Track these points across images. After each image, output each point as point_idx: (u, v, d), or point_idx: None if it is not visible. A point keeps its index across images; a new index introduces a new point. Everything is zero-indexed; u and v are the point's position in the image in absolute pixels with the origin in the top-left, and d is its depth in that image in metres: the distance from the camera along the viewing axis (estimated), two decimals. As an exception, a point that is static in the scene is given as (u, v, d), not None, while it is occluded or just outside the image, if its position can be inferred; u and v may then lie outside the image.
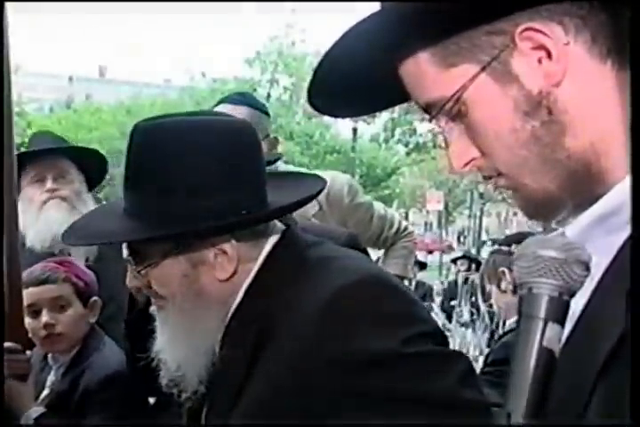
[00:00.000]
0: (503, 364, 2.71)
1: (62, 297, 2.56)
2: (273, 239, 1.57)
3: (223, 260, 1.51)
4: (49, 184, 3.24)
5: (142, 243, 1.57)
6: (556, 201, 1.05)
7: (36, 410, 2.41)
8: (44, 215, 3.16)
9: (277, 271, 1.52)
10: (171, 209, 1.49)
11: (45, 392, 2.53)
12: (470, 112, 1.04)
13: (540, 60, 0.99)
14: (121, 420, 2.35)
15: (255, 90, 35.47)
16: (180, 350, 1.56)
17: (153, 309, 1.63)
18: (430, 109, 1.09)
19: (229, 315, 1.54)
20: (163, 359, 1.59)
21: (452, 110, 1.05)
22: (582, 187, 1.02)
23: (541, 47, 0.99)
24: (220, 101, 3.33)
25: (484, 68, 1.01)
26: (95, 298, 2.64)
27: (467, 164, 1.10)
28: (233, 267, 1.51)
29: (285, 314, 1.43)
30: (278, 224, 1.61)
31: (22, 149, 3.50)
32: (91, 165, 3.46)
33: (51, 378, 2.57)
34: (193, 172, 1.49)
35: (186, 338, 1.55)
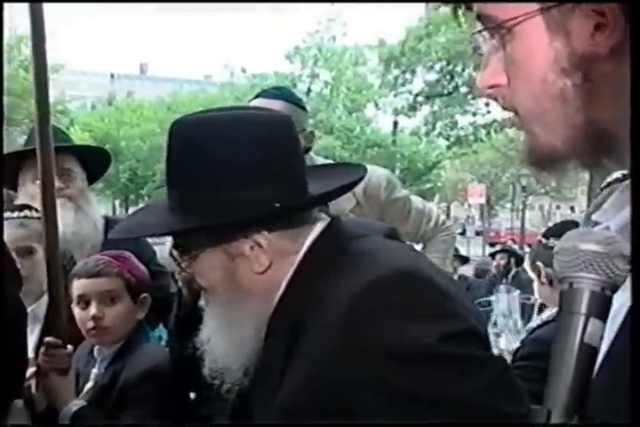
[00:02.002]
0: (535, 358, 2.68)
1: (113, 291, 2.58)
2: (315, 231, 1.56)
3: (259, 252, 1.51)
4: (55, 183, 3.22)
5: (182, 236, 1.59)
6: (559, 158, 1.04)
7: (75, 404, 2.43)
8: None
9: (317, 264, 1.51)
10: (207, 202, 1.50)
11: (89, 385, 2.55)
12: (512, 45, 1.03)
13: (597, 27, 0.97)
14: (159, 415, 2.36)
15: (295, 85, 35.55)
16: (223, 341, 1.57)
17: (201, 301, 1.64)
18: (482, 22, 1.08)
19: (273, 307, 1.53)
20: (207, 350, 1.60)
21: (499, 34, 1.05)
22: (592, 150, 1.02)
23: (602, 15, 0.97)
24: (257, 96, 3.32)
25: (542, 11, 1.00)
26: (145, 294, 2.65)
27: (491, 87, 1.09)
28: (268, 259, 1.51)
29: (320, 308, 1.41)
30: (323, 216, 1.60)
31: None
32: (94, 163, 3.47)
33: (94, 371, 2.58)
34: (229, 165, 1.50)
35: (228, 329, 1.56)
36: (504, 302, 8.63)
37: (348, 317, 1.35)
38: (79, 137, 36.25)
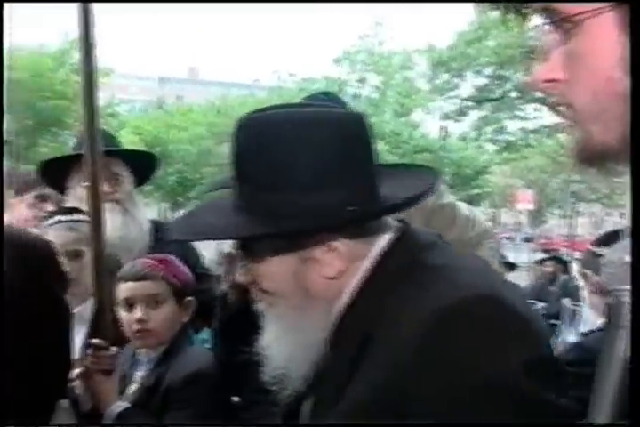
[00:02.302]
0: (578, 365, 2.64)
1: (158, 294, 2.60)
2: (386, 237, 1.52)
3: (331, 257, 1.47)
4: (104, 186, 3.23)
5: (250, 239, 1.55)
6: (611, 156, 1.02)
7: (119, 405, 2.45)
8: None
9: (388, 273, 1.47)
10: (280, 205, 1.45)
11: (133, 387, 2.57)
12: (577, 39, 1.02)
13: None
14: (202, 419, 2.36)
15: (343, 89, 35.54)
16: (286, 346, 1.54)
17: (260, 305, 1.60)
18: (548, 14, 1.06)
19: (337, 313, 1.50)
20: (268, 356, 1.57)
21: (564, 28, 1.03)
22: None
23: None
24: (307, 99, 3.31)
25: (612, 7, 0.98)
26: (190, 298, 2.66)
27: (548, 81, 1.07)
28: (341, 264, 1.47)
29: (393, 322, 1.37)
30: (392, 221, 1.57)
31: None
32: (142, 167, 3.49)
33: (139, 373, 2.60)
34: (303, 167, 1.45)
35: (292, 335, 1.53)
36: (555, 308, 8.56)
37: (427, 337, 1.30)
38: (129, 140, 36.61)
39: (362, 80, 39.48)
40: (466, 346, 1.28)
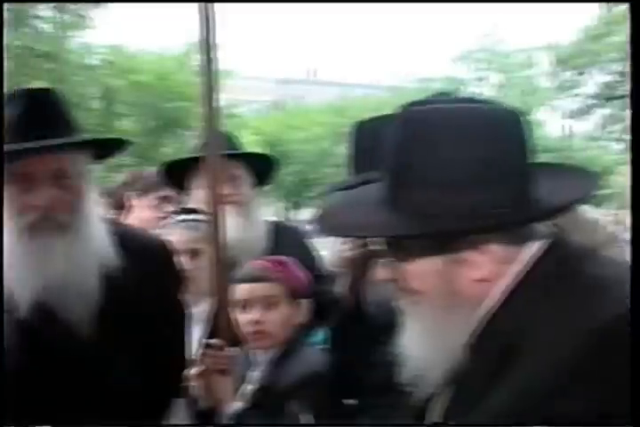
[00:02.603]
0: None
1: (273, 296, 2.62)
2: (538, 241, 1.46)
3: (482, 259, 1.43)
4: (224, 189, 3.25)
5: (399, 237, 1.51)
6: None
7: (235, 405, 2.47)
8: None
9: (540, 280, 1.41)
10: (433, 204, 1.42)
11: (248, 388, 2.59)
12: None
13: None
14: (318, 420, 2.36)
15: (463, 88, 35.18)
16: (425, 347, 1.50)
17: (402, 303, 1.56)
18: None
19: (480, 317, 1.46)
20: (407, 356, 1.54)
21: None
22: None
23: None
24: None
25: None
26: (304, 300, 2.67)
27: None
28: (491, 267, 1.43)
29: (543, 333, 1.33)
30: (546, 226, 1.51)
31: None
32: (261, 169, 3.50)
33: (254, 374, 2.62)
34: (459, 164, 1.40)
35: (433, 336, 1.49)
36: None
37: (585, 359, 1.26)
38: (249, 141, 37.15)
39: (482, 79, 39.01)
40: (625, 370, 1.24)
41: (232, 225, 3.08)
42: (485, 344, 1.43)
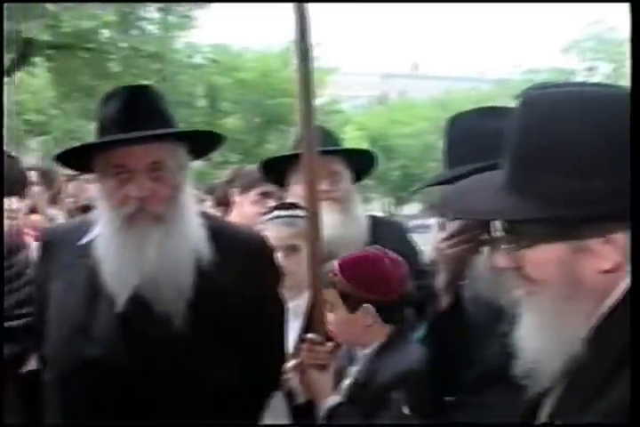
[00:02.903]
0: None
1: (329, 300, 2.61)
2: None
3: (608, 249, 1.37)
4: (322, 185, 3.15)
5: (522, 222, 1.47)
6: None
7: (332, 399, 2.47)
8: None
9: None
10: (559, 188, 1.37)
11: (347, 382, 2.59)
12: None
13: None
14: (414, 417, 2.34)
15: (570, 79, 34.40)
16: (543, 339, 1.46)
17: (520, 293, 1.52)
18: None
19: (603, 310, 1.40)
20: (522, 347, 1.50)
21: None
22: None
23: None
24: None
25: None
26: (366, 305, 2.63)
27: None
28: (618, 258, 1.37)
29: None
30: None
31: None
32: (361, 164, 3.49)
33: (354, 368, 2.62)
34: (587, 151, 1.36)
35: (552, 328, 1.44)
36: None
37: None
38: (353, 136, 37.25)
39: (591, 69, 38.07)
40: None
41: (331, 221, 3.08)
42: (605, 340, 1.38)
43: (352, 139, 36.19)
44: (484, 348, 2.28)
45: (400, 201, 46.29)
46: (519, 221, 1.46)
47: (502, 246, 1.52)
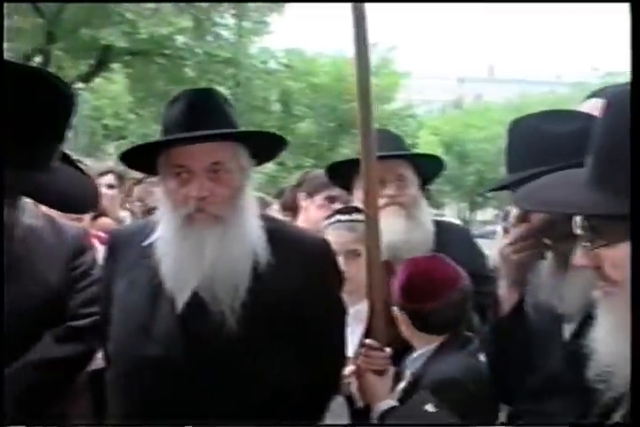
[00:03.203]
0: None
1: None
2: None
3: None
4: (389, 189, 3.21)
5: (603, 220, 1.45)
6: None
7: (386, 402, 2.47)
8: (382, 221, 3.14)
9: None
10: None
11: (401, 385, 2.58)
12: None
13: None
14: (463, 421, 2.32)
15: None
16: (619, 342, 1.42)
17: (597, 293, 1.50)
18: None
19: None
20: (596, 350, 1.48)
21: None
22: None
23: None
24: (592, 95, 3.13)
25: None
26: (396, 310, 2.65)
27: None
28: None
29: None
30: None
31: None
32: (428, 169, 3.45)
33: (408, 372, 2.62)
34: None
35: (626, 330, 1.40)
36: None
37: None
38: (427, 140, 37.08)
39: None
40: None
41: (396, 226, 3.08)
42: None
43: (426, 143, 36.01)
44: (547, 355, 2.24)
45: (475, 206, 45.91)
46: (601, 217, 1.44)
47: (581, 245, 1.49)
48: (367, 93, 2.49)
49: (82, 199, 1.95)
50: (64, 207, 2.02)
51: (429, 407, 2.31)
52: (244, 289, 2.30)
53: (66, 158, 1.95)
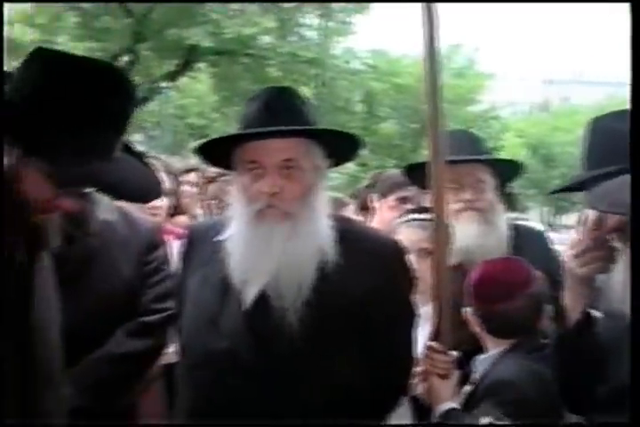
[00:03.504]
0: None
1: None
2: None
3: None
4: (466, 194, 3.18)
5: None
6: None
7: (447, 404, 2.46)
8: (458, 225, 3.06)
9: None
10: None
11: (467, 388, 2.56)
12: None
13: None
14: None
15: None
16: None
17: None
18: None
19: None
20: None
21: None
22: None
23: None
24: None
25: None
26: (466, 309, 2.64)
27: None
28: None
29: None
30: None
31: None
32: (507, 173, 3.40)
33: (474, 375, 2.60)
34: None
35: None
36: None
37: None
38: (512, 143, 36.58)
39: None
40: None
41: (472, 231, 3.06)
42: None
43: (511, 146, 35.53)
44: (620, 364, 2.18)
45: (560, 211, 45.06)
46: None
47: None
48: (436, 94, 2.47)
49: (145, 188, 1.99)
50: (126, 196, 2.07)
51: (488, 420, 2.29)
52: (309, 288, 2.30)
53: (129, 150, 1.99)
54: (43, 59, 1.86)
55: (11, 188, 1.81)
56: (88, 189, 2.25)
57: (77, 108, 1.77)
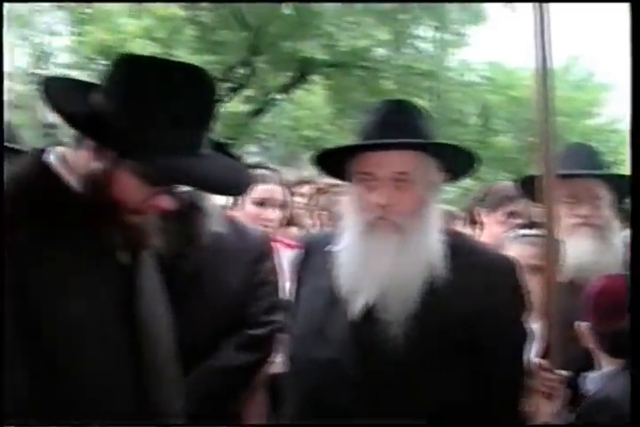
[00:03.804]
0: None
1: None
2: None
3: None
4: (583, 209, 3.14)
5: None
6: None
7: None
8: (573, 241, 3.04)
9: None
10: None
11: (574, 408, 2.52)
12: None
13: None
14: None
15: None
16: None
17: None
18: None
19: None
20: None
21: None
22: None
23: None
24: None
25: None
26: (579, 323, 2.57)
27: None
28: None
29: None
30: None
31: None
32: (625, 189, 3.29)
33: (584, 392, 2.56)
34: None
35: None
36: None
37: None
38: (633, 157, 35.37)
39: None
40: None
41: (587, 247, 3.00)
42: None
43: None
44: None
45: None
46: None
47: None
48: (547, 107, 2.43)
49: (233, 183, 2.03)
50: (215, 189, 2.11)
51: None
52: (415, 301, 2.29)
53: (221, 148, 2.05)
54: (128, 64, 1.96)
55: (107, 190, 1.88)
56: (187, 191, 2.31)
57: (164, 107, 1.86)
